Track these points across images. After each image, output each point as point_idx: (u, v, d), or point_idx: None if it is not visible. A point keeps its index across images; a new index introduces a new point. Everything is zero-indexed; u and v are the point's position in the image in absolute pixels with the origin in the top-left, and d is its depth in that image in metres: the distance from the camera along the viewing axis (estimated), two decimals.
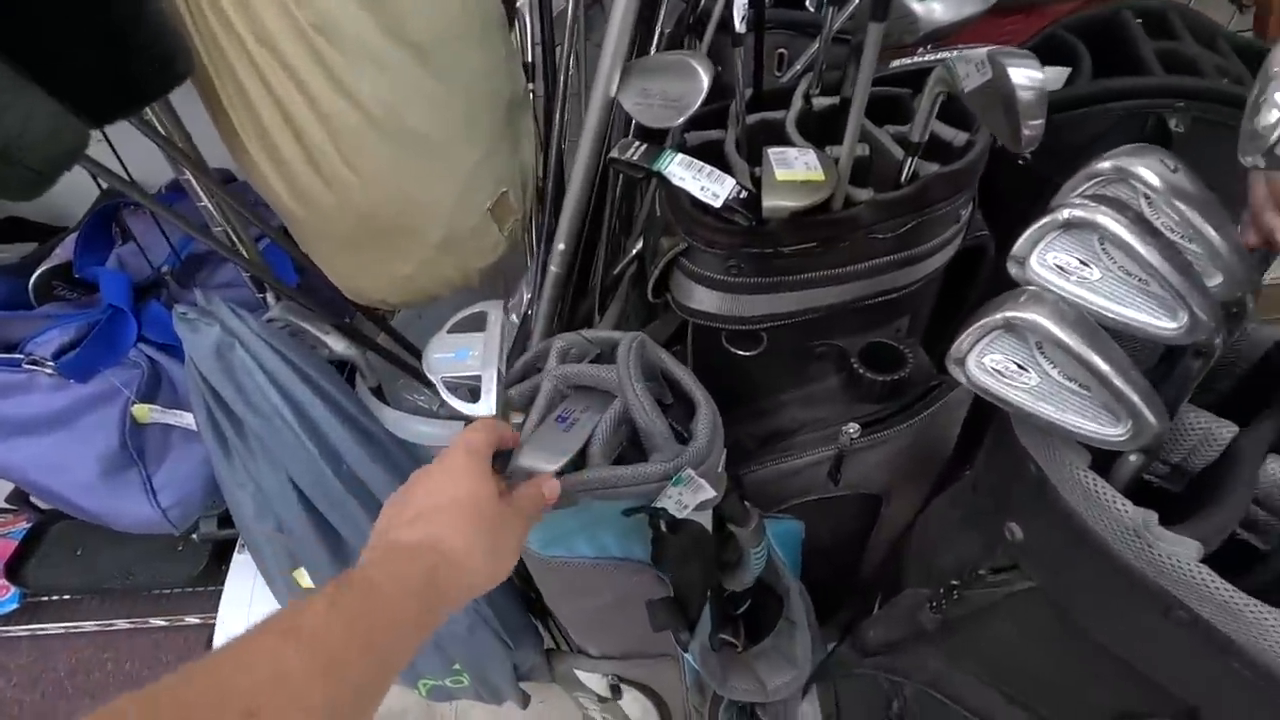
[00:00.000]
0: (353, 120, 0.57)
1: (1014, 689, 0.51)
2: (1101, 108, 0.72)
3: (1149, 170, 0.38)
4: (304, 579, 0.89)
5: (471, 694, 0.99)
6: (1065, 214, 0.39)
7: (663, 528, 0.58)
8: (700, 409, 0.60)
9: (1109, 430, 0.37)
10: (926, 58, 0.64)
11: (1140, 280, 0.38)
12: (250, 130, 0.58)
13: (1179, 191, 0.38)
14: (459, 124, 0.63)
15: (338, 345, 0.77)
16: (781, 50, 0.85)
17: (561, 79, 0.79)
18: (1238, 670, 0.36)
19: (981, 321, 0.38)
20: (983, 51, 0.44)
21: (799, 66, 0.80)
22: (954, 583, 0.52)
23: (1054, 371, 0.37)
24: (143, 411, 0.86)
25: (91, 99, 0.47)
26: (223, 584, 1.17)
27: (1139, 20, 0.81)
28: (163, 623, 1.40)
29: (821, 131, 0.66)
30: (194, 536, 1.17)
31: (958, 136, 0.62)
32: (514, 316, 0.91)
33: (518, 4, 0.86)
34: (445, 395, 0.56)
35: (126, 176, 0.62)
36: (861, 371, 0.67)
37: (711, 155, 0.67)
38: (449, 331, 0.59)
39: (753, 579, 0.74)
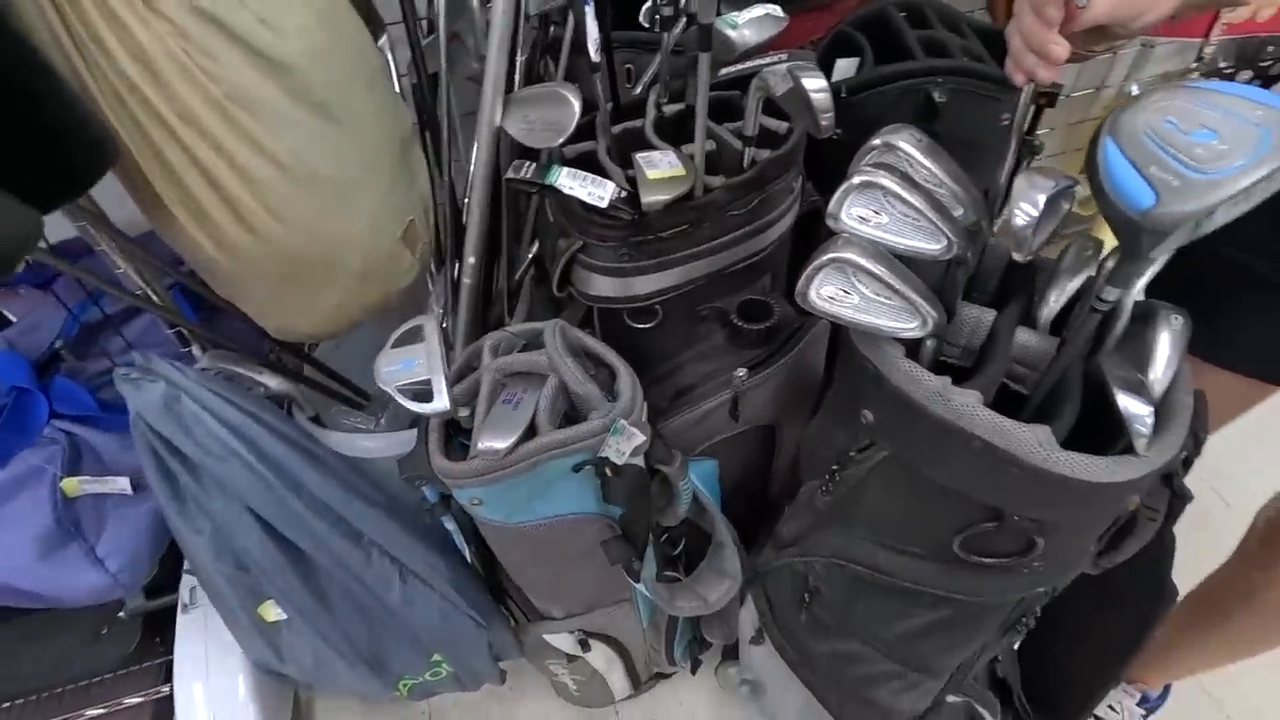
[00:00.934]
0: (271, 175, 0.64)
1: (889, 538, 0.68)
2: (884, 88, 0.91)
3: (905, 142, 0.54)
4: (270, 612, 0.93)
5: (451, 684, 1.06)
6: (857, 179, 0.54)
7: (608, 474, 0.70)
8: (620, 372, 0.72)
9: (908, 325, 0.53)
10: (749, 65, 0.78)
11: (913, 219, 0.54)
12: (174, 196, 0.63)
13: (928, 153, 0.54)
14: (364, 166, 0.71)
15: (272, 382, 0.82)
16: (629, 65, 0.98)
17: (445, 111, 0.88)
18: (1016, 474, 0.54)
19: (815, 262, 0.53)
20: (784, 68, 0.59)
21: (646, 79, 0.93)
22: (834, 468, 0.67)
23: (867, 290, 0.53)
24: (72, 485, 0.87)
25: (36, 192, 0.52)
26: (162, 657, 1.15)
27: (902, 14, 1.01)
28: (99, 711, 1.34)
29: (675, 133, 0.80)
30: (121, 615, 1.15)
31: (781, 126, 0.78)
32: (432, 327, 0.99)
33: (379, 43, 0.94)
34: (403, 401, 0.64)
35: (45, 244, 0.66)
36: (740, 324, 0.82)
37: (588, 164, 0.79)
38: (392, 347, 0.67)
39: (685, 511, 0.88)
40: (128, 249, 0.72)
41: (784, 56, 0.80)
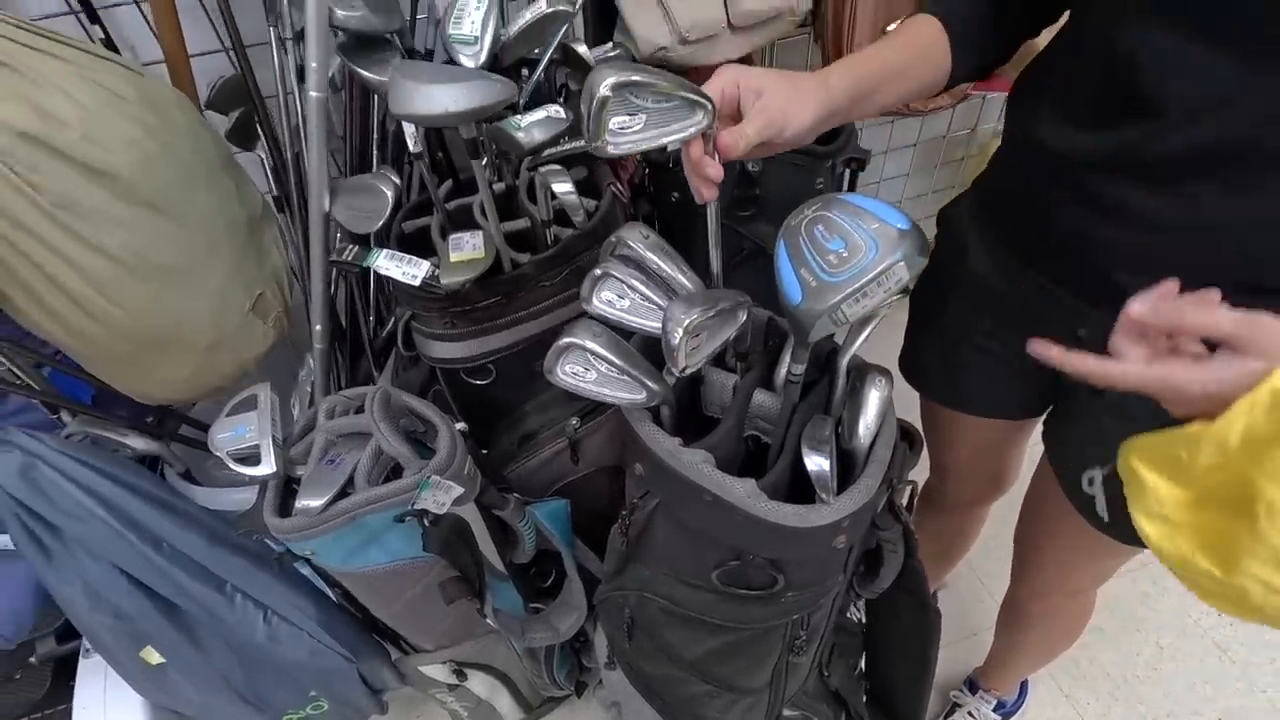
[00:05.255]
0: (107, 269, 0.71)
1: (676, 572, 0.76)
2: None
3: (633, 240, 0.63)
4: (153, 656, 0.99)
5: (335, 718, 1.13)
6: (598, 270, 0.64)
7: (426, 523, 0.78)
8: (440, 430, 0.80)
9: (636, 396, 0.62)
10: (562, 149, 0.87)
11: (646, 302, 0.63)
12: (21, 292, 0.70)
13: (652, 248, 0.64)
14: (203, 251, 0.79)
15: (138, 444, 0.89)
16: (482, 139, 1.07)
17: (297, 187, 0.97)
18: (740, 519, 0.62)
19: (555, 345, 0.62)
20: (540, 176, 0.69)
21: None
22: (624, 512, 0.76)
23: (600, 368, 0.62)
24: None
25: None
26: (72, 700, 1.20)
27: None
28: None
29: (505, 207, 0.89)
30: (32, 660, 1.20)
31: (590, 204, 0.87)
32: (306, 386, 1.07)
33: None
34: (233, 465, 0.72)
35: None
36: None
37: (423, 240, 0.88)
38: (226, 415, 0.75)
39: (530, 549, 0.96)
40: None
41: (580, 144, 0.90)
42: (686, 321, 0.54)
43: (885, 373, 0.66)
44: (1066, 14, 0.65)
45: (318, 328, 0.88)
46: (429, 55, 0.95)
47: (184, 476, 0.95)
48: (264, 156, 1.07)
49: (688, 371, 0.58)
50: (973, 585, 1.53)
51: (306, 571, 0.88)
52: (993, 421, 0.87)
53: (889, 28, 1.23)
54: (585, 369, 0.62)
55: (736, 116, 0.56)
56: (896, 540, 0.72)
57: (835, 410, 0.68)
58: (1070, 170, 0.62)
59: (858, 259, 0.52)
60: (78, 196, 0.68)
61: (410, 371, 0.97)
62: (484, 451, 0.98)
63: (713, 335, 0.59)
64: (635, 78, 0.47)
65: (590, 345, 0.60)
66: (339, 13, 0.70)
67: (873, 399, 0.64)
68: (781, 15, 1.17)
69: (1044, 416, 0.84)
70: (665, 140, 0.51)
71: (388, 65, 0.75)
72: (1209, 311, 0.41)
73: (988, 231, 0.75)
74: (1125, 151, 0.57)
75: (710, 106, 0.52)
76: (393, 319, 1.07)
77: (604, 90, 0.46)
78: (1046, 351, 0.48)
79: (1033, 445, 0.91)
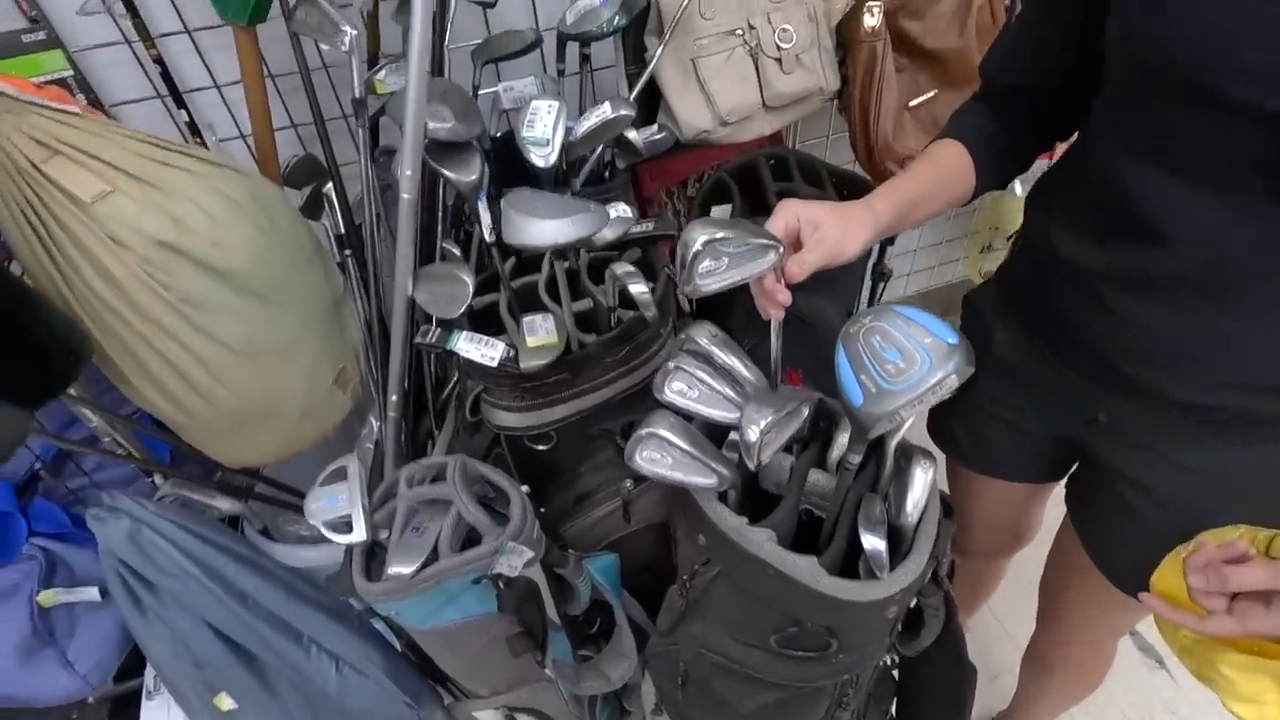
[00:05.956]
0: (220, 355, 0.79)
1: (734, 633, 0.82)
2: None
3: (700, 336, 0.71)
4: (225, 703, 1.05)
5: None
6: (671, 364, 0.71)
7: (501, 586, 0.84)
8: (512, 498, 0.87)
9: (707, 481, 0.69)
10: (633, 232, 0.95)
11: (714, 393, 0.71)
12: (138, 373, 0.78)
13: (721, 345, 0.71)
14: (299, 331, 0.87)
15: (224, 504, 0.96)
16: None
17: (370, 266, 1.05)
18: (802, 592, 0.69)
19: (636, 434, 0.69)
20: (620, 272, 0.76)
21: None
22: (685, 577, 0.83)
23: (674, 455, 0.69)
24: (47, 597, 0.99)
25: (23, 395, 0.67)
26: None
27: (770, 161, 1.20)
28: None
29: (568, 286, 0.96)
30: (89, 700, 1.26)
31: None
32: (368, 444, 1.15)
33: (325, 189, 1.11)
34: (328, 534, 0.79)
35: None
36: (624, 447, 0.97)
37: (491, 316, 0.96)
38: (320, 485, 0.82)
39: (585, 603, 1.02)
40: (105, 416, 0.87)
41: (650, 226, 0.98)
42: (763, 423, 0.61)
43: (929, 455, 0.73)
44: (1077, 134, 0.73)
45: (393, 398, 0.96)
46: (495, 143, 1.03)
47: (262, 533, 1.01)
48: (328, 226, 1.16)
49: (761, 465, 0.64)
50: (994, 628, 1.58)
51: (379, 625, 0.94)
52: (1014, 483, 0.93)
53: (911, 103, 1.33)
54: (662, 455, 0.69)
55: (797, 244, 0.64)
56: (938, 605, 0.78)
57: (883, 488, 0.74)
58: (1082, 276, 0.69)
59: (914, 371, 0.59)
60: (201, 293, 0.75)
61: (475, 437, 1.04)
62: (541, 510, 1.04)
63: (782, 431, 0.66)
64: (720, 234, 0.55)
65: (667, 435, 0.67)
66: (430, 124, 0.78)
67: (919, 480, 0.71)
68: (812, 94, 1.26)
69: (1065, 479, 0.91)
70: (745, 277, 0.59)
71: (468, 164, 0.83)
72: (1246, 572, 0.52)
73: (1010, 318, 0.82)
74: (1130, 268, 0.64)
75: (780, 248, 0.60)
76: (452, 382, 1.15)
77: (696, 246, 0.54)
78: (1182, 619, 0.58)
79: (1057, 500, 0.98)
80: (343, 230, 1.12)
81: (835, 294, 1.15)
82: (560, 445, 0.99)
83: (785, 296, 0.62)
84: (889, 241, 1.14)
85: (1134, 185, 0.60)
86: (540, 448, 0.98)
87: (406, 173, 0.78)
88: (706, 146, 1.28)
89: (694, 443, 0.68)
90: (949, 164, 0.72)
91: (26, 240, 0.69)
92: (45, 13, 0.99)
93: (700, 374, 0.70)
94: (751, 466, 0.65)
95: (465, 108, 0.82)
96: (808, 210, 0.63)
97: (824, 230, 0.63)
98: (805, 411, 0.67)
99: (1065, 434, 0.82)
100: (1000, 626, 1.59)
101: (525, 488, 0.89)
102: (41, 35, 0.97)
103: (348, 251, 1.13)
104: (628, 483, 0.99)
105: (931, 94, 1.31)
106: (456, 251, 1.06)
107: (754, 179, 1.17)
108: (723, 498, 0.73)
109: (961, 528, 1.13)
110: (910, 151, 1.31)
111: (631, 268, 0.78)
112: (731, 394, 0.70)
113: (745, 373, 0.71)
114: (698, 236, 0.55)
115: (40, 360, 0.67)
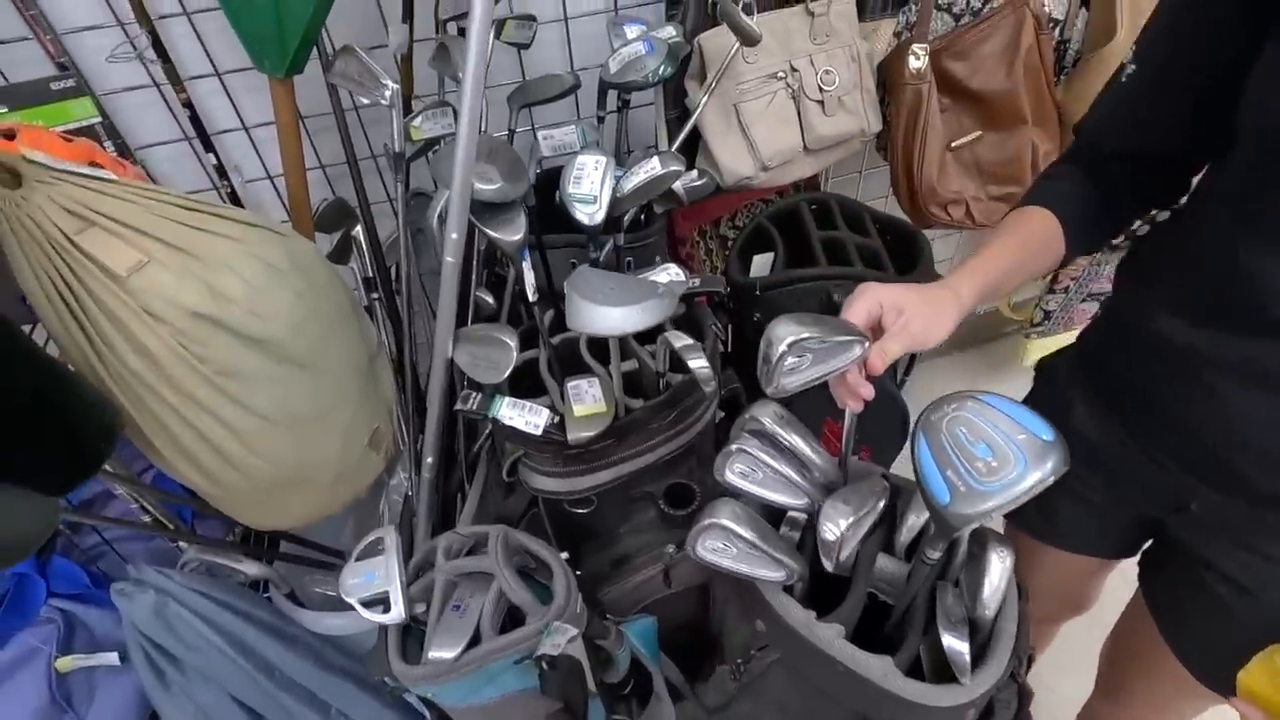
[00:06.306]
0: (256, 425, 0.75)
1: (788, 715, 0.78)
2: (793, 287, 1.04)
3: (764, 416, 0.67)
4: None
5: None
6: (733, 446, 0.67)
7: (544, 666, 0.80)
8: (555, 572, 0.83)
9: (774, 574, 0.65)
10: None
11: (778, 476, 0.67)
12: (171, 446, 0.74)
13: (786, 425, 0.67)
14: (335, 397, 0.83)
15: (250, 569, 0.92)
16: (573, 261, 1.11)
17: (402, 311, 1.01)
18: (872, 690, 0.65)
19: (699, 524, 0.65)
20: (677, 344, 0.72)
21: None
22: (739, 660, 0.78)
23: (739, 546, 0.65)
24: (65, 663, 0.95)
25: (53, 481, 0.63)
26: None
27: (812, 206, 1.16)
28: None
29: (607, 345, 0.93)
30: None
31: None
32: (397, 496, 1.11)
33: (354, 232, 1.08)
34: (364, 612, 0.75)
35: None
36: (667, 510, 0.93)
37: (530, 373, 0.92)
38: (356, 560, 0.78)
39: (624, 671, 0.97)
40: (136, 489, 0.84)
41: (696, 282, 0.94)
42: (843, 525, 0.57)
43: (1005, 542, 0.68)
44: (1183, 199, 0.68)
45: (429, 460, 0.92)
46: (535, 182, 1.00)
47: (289, 596, 0.98)
48: (356, 270, 1.13)
49: (839, 564, 0.60)
50: (1032, 678, 1.52)
51: (412, 699, 0.90)
52: (1080, 556, 0.89)
53: (954, 144, 1.29)
54: (725, 545, 0.65)
55: (878, 328, 0.60)
56: (1011, 699, 0.73)
57: (954, 573, 0.70)
58: (1182, 358, 0.64)
59: (1008, 471, 0.55)
60: (237, 363, 0.72)
61: (510, 498, 1.00)
62: (578, 573, 1.00)
63: (859, 528, 0.62)
64: (805, 335, 0.52)
65: (731, 525, 0.63)
66: (477, 185, 0.75)
67: (996, 569, 0.67)
68: (853, 136, 1.22)
69: (1138, 556, 0.86)
70: (828, 373, 0.55)
71: (513, 224, 0.80)
72: None
73: (1091, 392, 0.78)
74: (1242, 356, 0.59)
75: (865, 342, 0.56)
76: (484, 435, 1.11)
77: (782, 347, 0.51)
78: None
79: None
80: (371, 273, 1.09)
81: None
82: (600, 508, 0.95)
83: (868, 391, 0.59)
84: None
85: (1255, 269, 0.55)
86: (580, 511, 0.94)
87: (453, 236, 0.75)
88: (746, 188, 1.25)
89: (760, 533, 0.63)
90: (1036, 235, 0.68)
91: (59, 314, 0.66)
92: (75, 59, 0.97)
93: (764, 456, 0.66)
94: (829, 567, 0.60)
95: (511, 167, 0.78)
96: (891, 295, 0.59)
97: (909, 317, 0.59)
98: (882, 505, 0.63)
99: (1145, 515, 0.77)
100: (1037, 676, 1.53)
101: (565, 554, 0.85)
102: (70, 82, 0.95)
103: (376, 295, 1.10)
104: (670, 548, 0.95)
105: (975, 135, 1.27)
106: (490, 300, 1.03)
107: (796, 224, 1.14)
108: (788, 588, 0.68)
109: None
110: (953, 195, 1.27)
111: (688, 339, 0.74)
112: (797, 477, 0.66)
113: (813, 456, 0.67)
114: (783, 336, 0.52)
115: (71, 442, 0.63)
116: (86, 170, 0.65)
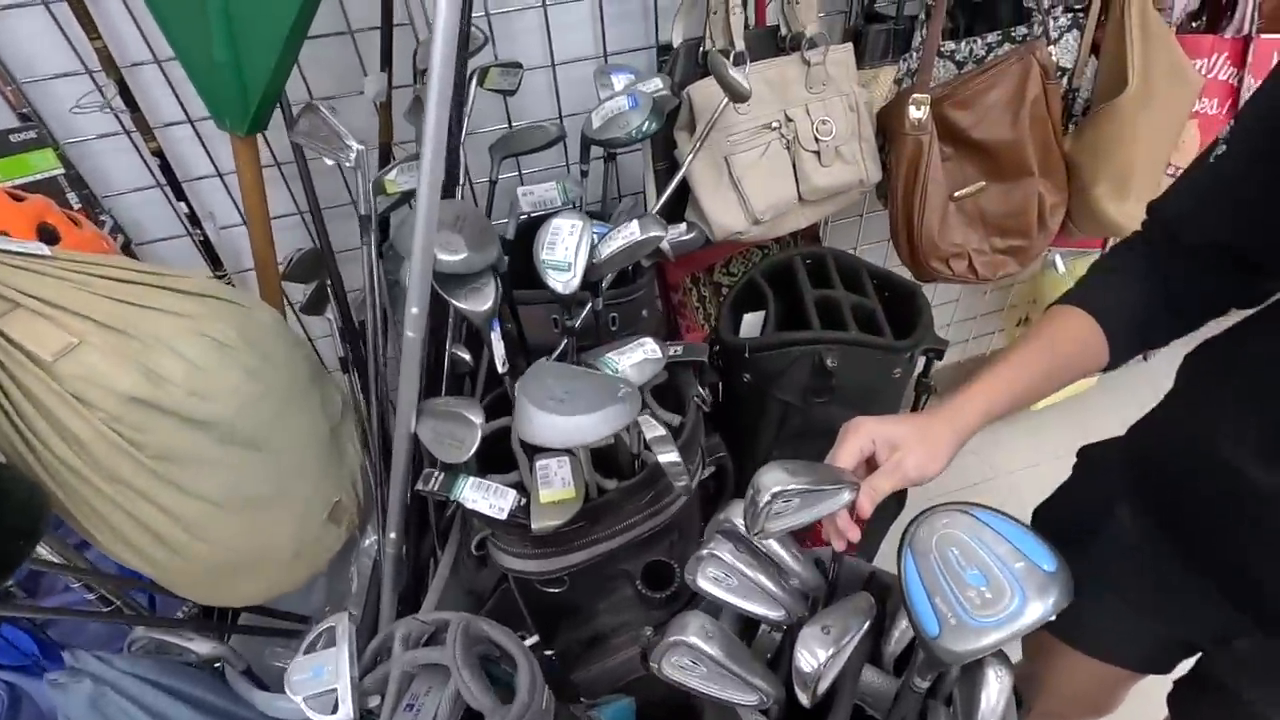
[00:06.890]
0: (203, 510, 0.70)
1: None
2: (787, 350, 0.99)
3: (738, 516, 0.61)
4: None
5: None
6: (704, 551, 0.61)
7: None
8: (520, 665, 0.77)
9: (750, 699, 0.59)
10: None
11: (753, 585, 0.61)
12: (109, 534, 0.69)
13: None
14: (292, 475, 0.78)
15: (202, 648, 0.87)
16: (554, 317, 1.07)
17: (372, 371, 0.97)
18: None
19: (664, 640, 0.59)
20: (646, 421, 0.67)
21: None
22: None
23: (709, 665, 0.59)
24: None
25: None
26: None
27: (807, 261, 1.11)
28: None
29: None
30: None
31: (674, 419, 0.86)
32: (366, 558, 1.05)
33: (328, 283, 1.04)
34: (309, 712, 0.69)
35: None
36: (644, 592, 0.88)
37: (502, 440, 0.87)
38: (304, 654, 0.73)
39: None
40: (88, 577, 0.79)
41: (679, 350, 0.89)
42: (823, 657, 0.52)
43: (1004, 658, 0.62)
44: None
45: (391, 535, 0.87)
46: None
47: (245, 673, 0.92)
48: (333, 319, 1.08)
49: (816, 699, 0.55)
50: None
51: None
52: (1108, 664, 0.81)
53: (956, 194, 1.24)
54: (693, 664, 0.59)
55: (871, 463, 0.55)
56: None
57: (945, 691, 0.64)
58: (1250, 492, 0.55)
59: (1004, 605, 0.49)
60: (178, 447, 0.67)
61: (484, 571, 0.95)
62: (549, 654, 0.95)
63: (841, 657, 0.56)
64: (793, 485, 0.47)
65: (698, 645, 0.57)
66: (441, 256, 0.70)
67: (994, 689, 0.60)
68: (851, 187, 1.17)
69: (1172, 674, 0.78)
70: (815, 518, 0.51)
71: (481, 294, 0.75)
72: None
73: (1138, 495, 0.68)
74: None
75: (855, 487, 0.51)
76: (454, 505, 1.06)
77: (767, 496, 0.46)
78: None
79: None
80: (342, 325, 1.05)
81: (879, 409, 1.05)
82: (574, 586, 0.89)
83: (855, 534, 0.53)
84: (937, 355, 1.05)
85: None
86: (552, 590, 0.89)
87: (413, 310, 0.70)
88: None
89: (730, 653, 0.58)
90: (1069, 344, 0.59)
91: None
92: (38, 109, 0.93)
93: (737, 563, 0.60)
94: (805, 702, 0.55)
95: (480, 235, 0.74)
96: (884, 430, 0.55)
97: (903, 454, 0.54)
98: (867, 625, 0.58)
99: (1185, 638, 0.70)
100: None
101: (534, 639, 0.80)
102: (32, 134, 0.91)
103: (341, 354, 1.06)
104: (648, 630, 0.89)
105: (979, 185, 1.22)
106: (467, 357, 0.98)
107: (790, 280, 1.09)
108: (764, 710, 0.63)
109: (1031, 688, 0.98)
110: (955, 248, 1.22)
111: (662, 430, 0.69)
112: (773, 586, 0.61)
113: (791, 562, 0.61)
114: (769, 485, 0.47)
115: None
116: (14, 247, 0.61)
